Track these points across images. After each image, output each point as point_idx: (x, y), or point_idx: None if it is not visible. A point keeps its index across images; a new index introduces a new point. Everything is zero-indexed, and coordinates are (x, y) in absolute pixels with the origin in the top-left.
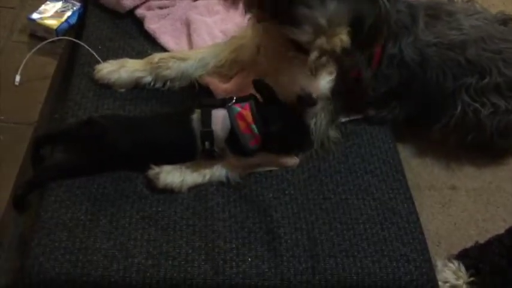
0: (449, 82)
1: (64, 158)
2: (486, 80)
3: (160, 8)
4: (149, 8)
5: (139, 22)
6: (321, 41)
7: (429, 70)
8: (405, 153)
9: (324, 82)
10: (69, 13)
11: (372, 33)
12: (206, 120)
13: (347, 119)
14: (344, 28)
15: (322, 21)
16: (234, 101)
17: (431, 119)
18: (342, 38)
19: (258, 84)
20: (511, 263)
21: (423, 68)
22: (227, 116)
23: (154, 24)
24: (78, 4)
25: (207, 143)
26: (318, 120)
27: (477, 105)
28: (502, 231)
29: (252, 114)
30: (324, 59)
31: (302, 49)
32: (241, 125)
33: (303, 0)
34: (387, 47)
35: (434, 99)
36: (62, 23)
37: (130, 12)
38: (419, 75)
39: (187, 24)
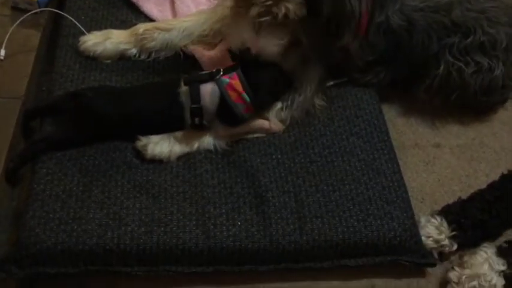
0: (434, 44)
1: (53, 130)
2: (470, 39)
3: None
4: None
5: None
6: None
7: (415, 35)
8: (391, 113)
9: (267, 43)
10: None
11: (334, 27)
12: (195, 96)
13: (332, 83)
14: None
15: None
16: (221, 73)
17: (416, 80)
18: (288, 6)
19: (233, 55)
20: (492, 217)
21: (409, 33)
22: (215, 89)
23: None
24: None
25: (196, 119)
26: (304, 91)
27: (461, 64)
28: (484, 186)
29: (242, 83)
30: (267, 19)
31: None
32: (233, 95)
33: None
34: (374, 16)
35: (419, 62)
36: None
37: None
38: (406, 40)
39: None
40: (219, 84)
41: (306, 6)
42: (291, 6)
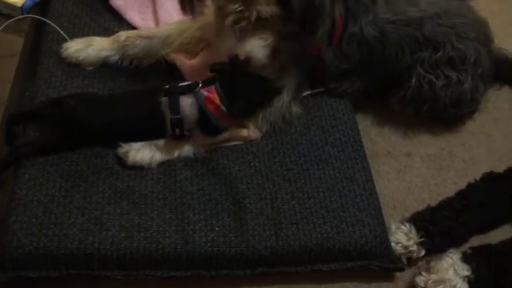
0: (407, 57)
1: (36, 136)
2: (440, 54)
3: None
4: None
5: None
6: (234, 7)
7: (388, 47)
8: (365, 123)
9: (253, 46)
10: None
11: (308, 24)
12: (174, 107)
13: (309, 92)
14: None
15: None
16: (200, 85)
17: (390, 92)
18: (258, 8)
19: (214, 69)
20: (459, 225)
21: (383, 45)
22: (194, 101)
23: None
24: None
25: (177, 130)
26: (281, 97)
27: (432, 77)
28: (452, 194)
29: (219, 96)
30: (243, 24)
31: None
32: (211, 107)
33: None
34: (348, 25)
35: (393, 74)
36: (27, 0)
37: None
38: (379, 52)
39: (153, 0)
40: (198, 97)
41: (277, 4)
42: (260, 7)
